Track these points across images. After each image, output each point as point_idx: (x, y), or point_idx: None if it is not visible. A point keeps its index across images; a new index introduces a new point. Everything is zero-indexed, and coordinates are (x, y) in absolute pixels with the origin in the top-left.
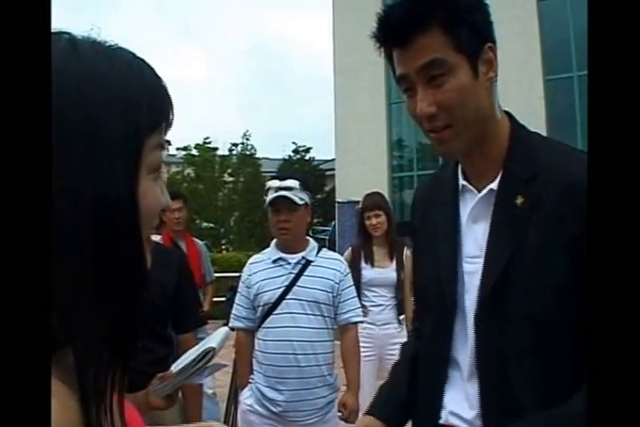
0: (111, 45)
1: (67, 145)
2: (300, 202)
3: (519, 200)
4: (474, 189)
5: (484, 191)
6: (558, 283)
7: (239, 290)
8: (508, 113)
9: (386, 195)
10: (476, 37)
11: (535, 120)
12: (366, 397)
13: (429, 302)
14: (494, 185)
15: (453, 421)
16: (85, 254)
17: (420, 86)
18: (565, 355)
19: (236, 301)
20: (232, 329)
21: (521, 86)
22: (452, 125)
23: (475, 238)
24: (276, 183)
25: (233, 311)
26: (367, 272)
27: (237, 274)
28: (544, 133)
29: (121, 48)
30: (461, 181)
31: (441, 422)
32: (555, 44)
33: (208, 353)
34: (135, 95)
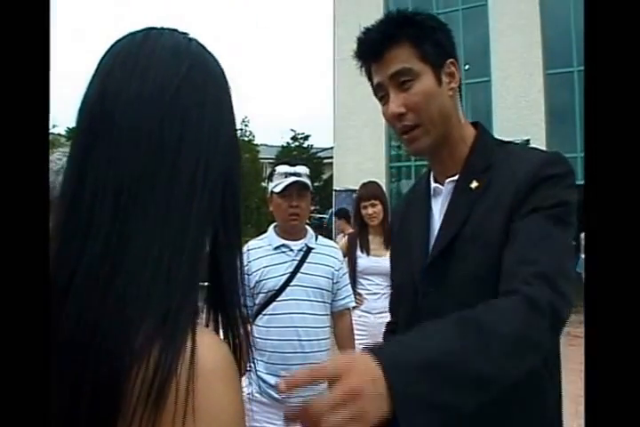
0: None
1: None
2: (310, 188)
3: (474, 184)
4: (442, 187)
5: (447, 182)
6: (492, 245)
7: None
8: (476, 123)
9: (383, 184)
10: (439, 52)
11: (534, 113)
12: None
13: (403, 296)
14: (456, 177)
15: None
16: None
17: (391, 91)
18: None
19: None
20: None
21: (521, 79)
22: (420, 125)
23: None
24: (285, 169)
25: None
26: (363, 261)
27: None
28: (543, 127)
29: None
30: (433, 184)
31: None
32: (556, 38)
33: None
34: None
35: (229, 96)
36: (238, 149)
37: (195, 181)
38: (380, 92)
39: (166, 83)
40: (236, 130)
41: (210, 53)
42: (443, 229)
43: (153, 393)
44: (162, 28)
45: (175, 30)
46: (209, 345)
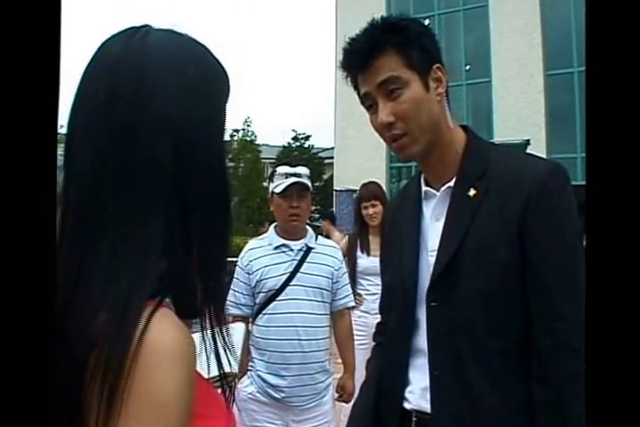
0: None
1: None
2: (311, 189)
3: (472, 192)
4: (435, 192)
5: (443, 189)
6: (500, 259)
7: (236, 276)
8: (465, 126)
9: (383, 184)
10: (425, 57)
11: (534, 114)
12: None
13: (394, 298)
14: (451, 183)
15: (423, 404)
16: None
17: (380, 100)
18: (507, 324)
19: (234, 287)
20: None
21: (521, 80)
22: (409, 133)
23: (436, 233)
24: (286, 169)
25: (230, 298)
26: (363, 261)
27: (236, 259)
28: (543, 127)
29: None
30: (424, 188)
31: (409, 406)
32: (556, 39)
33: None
34: (218, 70)
35: (196, 68)
36: (211, 131)
37: (143, 162)
38: (368, 102)
39: (112, 72)
40: (207, 102)
41: (167, 31)
42: (445, 243)
43: (108, 379)
44: (117, 33)
45: (130, 28)
46: (165, 329)
